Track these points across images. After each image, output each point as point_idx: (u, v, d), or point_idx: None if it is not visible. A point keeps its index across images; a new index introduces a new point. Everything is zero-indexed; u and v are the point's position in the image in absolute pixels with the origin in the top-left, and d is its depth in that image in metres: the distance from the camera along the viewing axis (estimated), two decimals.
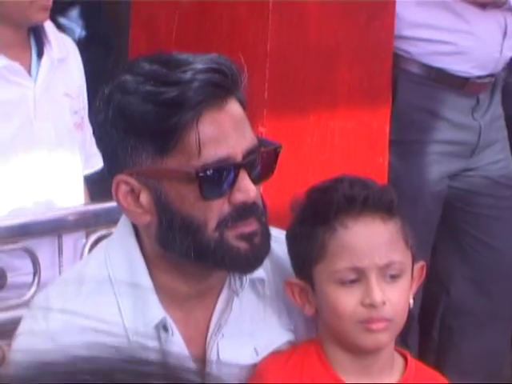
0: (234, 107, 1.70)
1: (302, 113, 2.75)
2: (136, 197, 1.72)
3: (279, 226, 1.92)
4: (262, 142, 1.78)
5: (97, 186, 2.77)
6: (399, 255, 1.81)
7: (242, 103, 1.73)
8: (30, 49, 2.63)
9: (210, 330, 1.85)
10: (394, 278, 1.82)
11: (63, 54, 2.66)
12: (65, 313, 1.77)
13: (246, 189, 1.68)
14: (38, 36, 2.62)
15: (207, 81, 1.65)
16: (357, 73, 2.82)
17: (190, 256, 1.72)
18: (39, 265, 2.38)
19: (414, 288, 1.92)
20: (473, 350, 3.49)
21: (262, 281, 1.85)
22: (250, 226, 1.73)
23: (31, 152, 2.59)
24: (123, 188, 1.71)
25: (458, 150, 3.17)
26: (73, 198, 2.65)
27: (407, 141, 3.15)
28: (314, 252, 1.80)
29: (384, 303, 1.79)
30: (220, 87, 1.67)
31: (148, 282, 1.79)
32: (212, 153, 1.66)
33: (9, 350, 2.02)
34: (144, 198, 1.71)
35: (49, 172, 2.62)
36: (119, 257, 1.81)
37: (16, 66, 2.54)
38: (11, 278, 2.42)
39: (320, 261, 1.79)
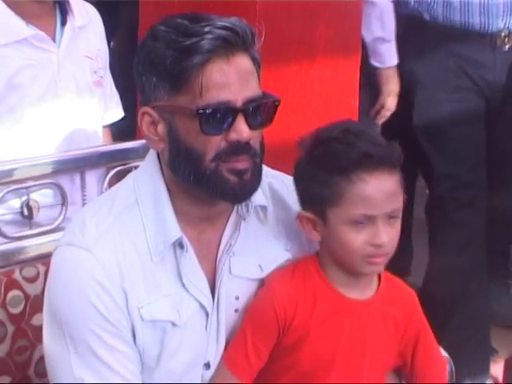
0: (242, 61, 1.78)
1: (286, 63, 2.86)
2: (155, 126, 1.83)
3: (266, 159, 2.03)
4: (264, 95, 1.85)
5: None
6: (399, 202, 1.93)
7: (254, 60, 1.82)
8: (55, 19, 2.71)
9: (221, 248, 1.95)
10: (393, 218, 1.93)
11: (84, 21, 2.77)
12: (98, 229, 1.87)
13: (241, 130, 1.77)
14: (62, 7, 2.72)
15: (219, 35, 1.75)
16: (332, 29, 2.94)
17: (190, 181, 1.83)
18: (66, 197, 2.52)
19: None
20: None
21: (264, 208, 1.97)
22: (242, 164, 1.82)
23: (57, 106, 2.69)
24: (146, 118, 1.83)
25: None
26: (92, 142, 2.77)
27: None
28: (331, 197, 1.89)
29: (387, 244, 1.92)
30: (229, 42, 1.76)
31: (168, 206, 1.88)
32: (214, 96, 1.75)
33: (43, 269, 2.15)
34: (160, 128, 1.82)
35: (72, 121, 2.73)
36: (146, 184, 1.90)
37: (42, 34, 2.64)
38: (43, 211, 2.57)
39: (336, 205, 1.89)
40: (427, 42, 3.20)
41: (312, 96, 2.94)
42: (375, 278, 2.02)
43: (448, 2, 3.06)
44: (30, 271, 2.18)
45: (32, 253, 2.27)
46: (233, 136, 1.77)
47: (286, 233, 2.04)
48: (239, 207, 1.93)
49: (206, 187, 1.84)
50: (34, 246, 2.30)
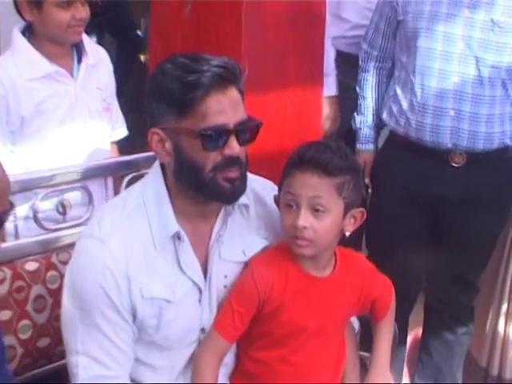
0: (233, 93, 1.93)
1: (265, 91, 3.00)
2: (163, 143, 1.98)
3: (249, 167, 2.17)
4: (249, 118, 1.99)
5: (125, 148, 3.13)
6: (326, 197, 2.04)
7: (240, 91, 1.96)
8: (73, 57, 2.88)
9: (212, 238, 2.09)
10: (319, 211, 2.04)
11: (96, 60, 2.94)
12: (112, 225, 2.01)
13: (233, 147, 1.94)
14: (78, 49, 2.89)
15: (215, 72, 1.90)
16: (300, 63, 3.09)
17: (192, 187, 1.99)
18: (92, 198, 2.74)
19: (353, 226, 2.15)
20: None
21: (246, 206, 2.14)
22: (234, 173, 1.97)
23: (74, 127, 2.88)
24: (155, 137, 1.98)
25: None
26: (101, 155, 2.92)
27: None
28: (281, 184, 2.10)
29: (305, 227, 2.03)
30: (224, 78, 1.91)
31: (169, 206, 2.03)
32: (213, 120, 1.91)
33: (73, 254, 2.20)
34: (167, 145, 1.97)
35: (86, 139, 2.92)
36: (151, 189, 2.05)
37: (63, 70, 2.82)
38: (73, 208, 2.78)
39: (280, 190, 2.10)
40: (387, 150, 3.10)
41: (285, 118, 3.09)
42: (333, 258, 2.17)
43: (407, 118, 2.95)
44: (64, 256, 2.35)
45: (65, 241, 2.43)
46: (227, 152, 1.93)
47: (264, 225, 2.20)
48: (227, 206, 2.09)
49: (205, 192, 1.99)
50: (67, 236, 2.46)
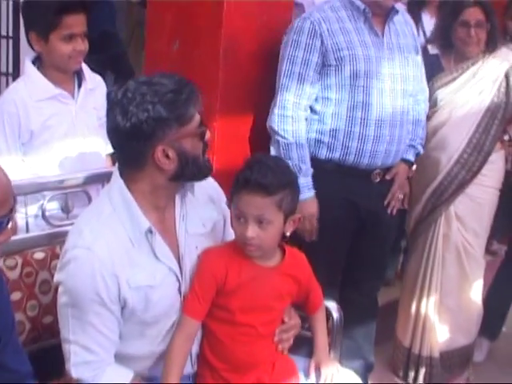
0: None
1: (238, 113, 3.19)
2: (166, 155, 2.12)
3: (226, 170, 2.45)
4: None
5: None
6: (268, 213, 2.21)
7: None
8: (74, 83, 3.02)
9: (177, 220, 2.26)
10: (263, 223, 2.22)
11: (93, 85, 3.07)
12: (92, 233, 2.11)
13: (208, 135, 2.21)
14: (78, 75, 3.03)
15: (193, 89, 2.12)
16: (268, 91, 3.13)
17: (195, 174, 2.18)
18: (91, 200, 2.79)
19: (292, 228, 2.32)
20: None
21: (193, 186, 2.29)
22: (207, 155, 2.22)
23: (75, 141, 3.00)
24: (159, 154, 2.12)
25: None
26: (98, 165, 3.02)
27: None
28: (231, 196, 2.25)
29: (253, 238, 2.22)
30: (196, 90, 2.13)
31: (136, 207, 2.16)
32: (197, 119, 2.15)
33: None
34: (171, 153, 2.12)
35: (84, 151, 3.02)
36: (117, 197, 2.17)
37: (65, 93, 2.97)
38: (75, 208, 2.86)
39: (231, 201, 2.26)
40: (323, 174, 3.10)
41: (255, 135, 3.25)
42: (278, 251, 2.35)
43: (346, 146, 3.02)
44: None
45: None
46: (206, 138, 2.21)
47: (208, 199, 2.39)
48: (180, 189, 2.25)
49: (198, 175, 2.20)
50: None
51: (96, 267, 2.08)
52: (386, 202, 3.27)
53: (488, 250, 4.23)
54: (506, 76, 3.62)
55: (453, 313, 3.82)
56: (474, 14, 3.58)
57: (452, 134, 3.61)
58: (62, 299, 2.15)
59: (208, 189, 2.39)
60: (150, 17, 3.34)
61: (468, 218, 3.72)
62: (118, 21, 5.28)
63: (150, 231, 2.16)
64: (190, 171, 2.18)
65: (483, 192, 3.73)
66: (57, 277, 2.18)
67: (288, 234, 2.32)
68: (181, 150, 2.14)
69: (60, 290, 2.16)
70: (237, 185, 2.22)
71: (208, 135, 2.21)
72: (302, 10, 3.66)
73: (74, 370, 2.16)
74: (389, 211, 3.29)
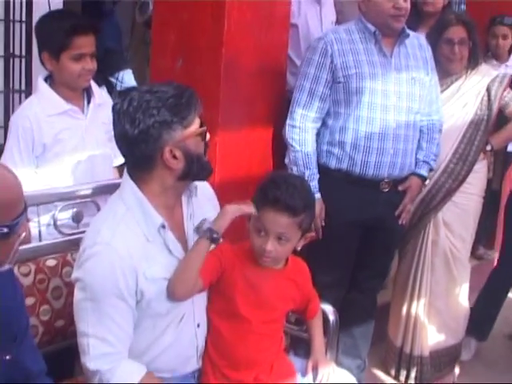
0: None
1: (237, 129, 3.23)
2: (173, 155, 2.19)
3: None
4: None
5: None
6: (289, 232, 2.30)
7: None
8: (84, 99, 3.10)
9: (185, 218, 2.35)
10: (282, 239, 2.31)
11: (101, 100, 3.13)
12: (110, 230, 2.17)
13: (208, 136, 2.29)
14: (88, 92, 3.10)
15: (192, 93, 2.20)
16: (266, 107, 3.32)
17: (200, 172, 2.25)
18: (100, 210, 2.65)
19: (302, 243, 2.42)
20: None
21: (196, 187, 2.37)
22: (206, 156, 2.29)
23: (85, 154, 3.06)
24: (168, 155, 2.19)
25: None
26: (107, 176, 3.09)
27: None
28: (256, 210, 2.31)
29: (271, 252, 2.31)
30: (196, 96, 2.21)
31: (149, 205, 2.23)
32: (198, 120, 2.23)
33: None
34: (178, 153, 2.20)
35: (94, 163, 3.08)
36: (130, 197, 2.23)
37: (75, 109, 3.04)
38: (85, 218, 2.88)
39: (252, 217, 2.33)
40: (333, 182, 3.26)
41: (254, 150, 3.31)
42: (284, 260, 2.44)
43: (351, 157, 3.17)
44: (77, 255, 2.31)
45: (78, 244, 2.36)
46: (207, 138, 2.29)
47: (207, 199, 2.48)
48: (187, 191, 2.33)
49: (202, 174, 2.28)
50: (80, 239, 2.39)
51: (116, 261, 2.13)
52: (396, 213, 3.41)
53: (474, 255, 4.35)
54: (488, 90, 3.74)
55: (441, 314, 3.87)
56: (457, 32, 3.67)
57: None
58: (79, 295, 2.19)
59: (204, 189, 2.47)
60: (155, 36, 3.40)
61: (455, 224, 3.81)
62: (124, 39, 5.45)
63: (163, 226, 2.24)
64: (195, 169, 2.25)
65: (469, 199, 3.83)
66: (75, 274, 2.22)
67: (299, 248, 2.44)
68: (186, 150, 2.22)
69: (78, 286, 2.20)
70: (264, 200, 2.29)
71: (208, 136, 2.30)
72: (296, 30, 3.76)
73: (93, 363, 2.18)
74: (400, 222, 3.44)
